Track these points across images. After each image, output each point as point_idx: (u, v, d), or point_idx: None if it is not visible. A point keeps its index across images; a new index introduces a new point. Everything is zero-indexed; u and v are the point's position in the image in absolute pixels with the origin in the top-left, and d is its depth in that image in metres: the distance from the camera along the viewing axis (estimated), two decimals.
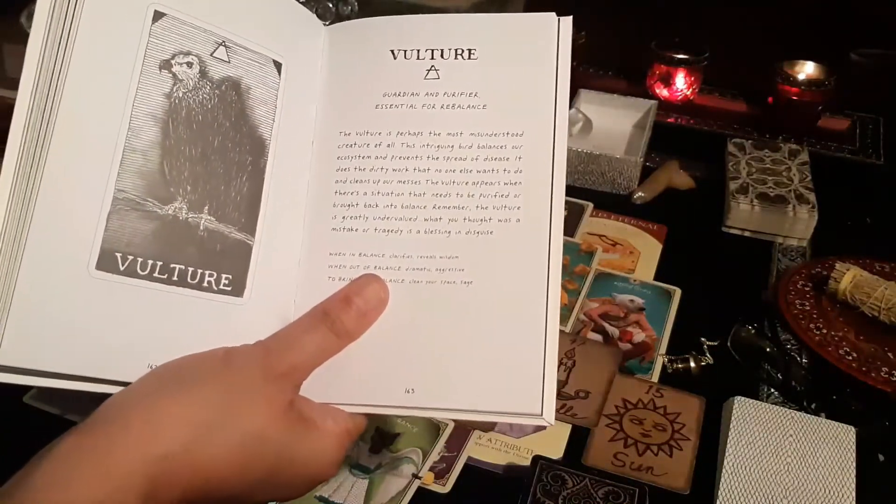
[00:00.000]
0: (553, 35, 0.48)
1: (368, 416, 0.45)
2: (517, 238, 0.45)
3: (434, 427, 0.69)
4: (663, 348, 0.79)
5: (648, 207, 1.00)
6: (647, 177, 1.03)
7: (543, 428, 0.68)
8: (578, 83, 1.14)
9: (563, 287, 0.84)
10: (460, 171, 0.47)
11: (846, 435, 0.65)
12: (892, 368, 0.73)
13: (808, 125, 1.15)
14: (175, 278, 0.42)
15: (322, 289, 0.45)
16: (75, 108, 0.40)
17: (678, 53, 1.18)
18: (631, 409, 0.72)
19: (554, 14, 0.48)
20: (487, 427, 0.70)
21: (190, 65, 0.44)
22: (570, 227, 0.95)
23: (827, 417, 0.68)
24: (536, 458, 0.65)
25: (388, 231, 0.46)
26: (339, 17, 0.49)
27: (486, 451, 0.68)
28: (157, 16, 0.43)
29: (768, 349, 0.77)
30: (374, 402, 0.44)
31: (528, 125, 0.47)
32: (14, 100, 0.39)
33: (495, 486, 0.66)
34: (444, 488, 0.65)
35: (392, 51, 0.49)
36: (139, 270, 0.41)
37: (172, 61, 0.43)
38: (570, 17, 0.48)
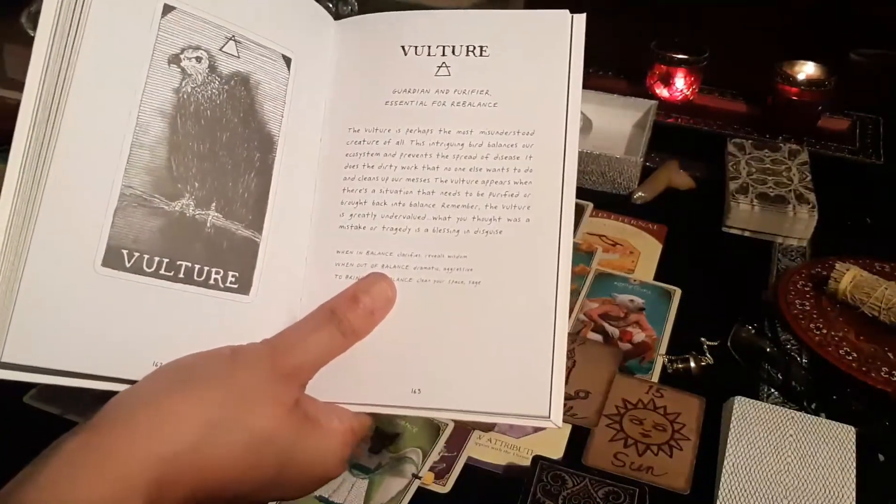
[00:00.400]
0: (566, 33, 0.47)
1: (373, 415, 0.45)
2: (526, 238, 0.45)
3: (434, 427, 0.69)
4: (663, 348, 0.79)
5: (648, 207, 1.00)
6: (647, 177, 1.03)
7: (543, 428, 0.68)
8: None
9: None
10: (470, 170, 0.46)
11: (846, 435, 0.65)
12: (893, 368, 0.73)
13: (808, 125, 1.15)
14: (181, 275, 0.42)
15: (329, 287, 0.45)
16: (83, 103, 0.39)
17: (678, 53, 1.18)
18: (631, 409, 0.72)
19: (567, 11, 0.48)
20: (487, 427, 0.70)
21: (199, 59, 0.43)
22: None
23: (827, 417, 0.68)
24: (536, 458, 0.65)
25: (396, 229, 0.46)
26: (338, 17, 0.49)
27: (486, 451, 0.68)
28: (167, 9, 0.42)
29: (768, 349, 0.77)
30: (380, 401, 0.44)
31: (539, 124, 0.46)
32: (13, 99, 0.39)
33: (495, 486, 0.66)
34: (444, 488, 0.65)
35: (403, 46, 0.48)
36: (145, 267, 0.41)
37: (181, 56, 0.43)
38: (584, 15, 0.47)
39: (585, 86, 0.48)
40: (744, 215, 0.95)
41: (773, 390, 0.74)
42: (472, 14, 0.49)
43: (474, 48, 0.48)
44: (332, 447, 0.43)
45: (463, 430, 0.69)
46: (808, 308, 0.81)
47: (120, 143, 0.40)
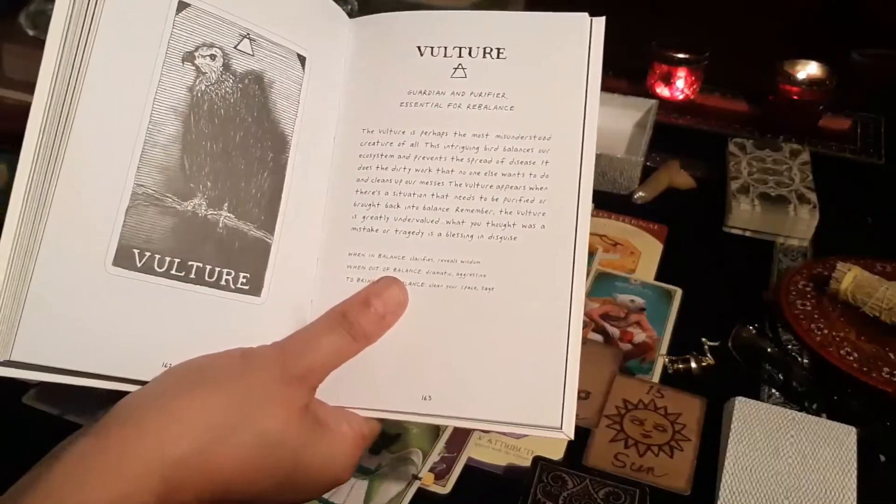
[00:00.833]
0: (585, 36, 0.47)
1: (383, 420, 0.45)
2: (541, 245, 0.44)
3: (434, 428, 0.68)
4: (664, 348, 0.79)
5: (649, 207, 1.00)
6: (647, 176, 1.03)
7: None
8: None
9: None
10: (485, 174, 0.45)
11: (847, 435, 0.65)
12: (894, 369, 0.73)
13: (810, 125, 1.15)
14: (192, 276, 0.41)
15: (340, 289, 0.44)
16: (95, 101, 0.39)
17: (679, 53, 1.18)
18: (631, 409, 0.72)
19: (586, 14, 0.47)
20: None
21: (213, 57, 0.42)
22: None
23: (828, 418, 0.68)
24: (537, 459, 0.64)
25: (409, 232, 0.45)
26: None
27: (486, 451, 0.68)
28: (182, 6, 0.41)
29: (769, 349, 0.77)
30: (391, 407, 0.44)
31: (556, 129, 0.46)
32: (13, 99, 0.38)
33: (495, 486, 0.66)
34: (445, 489, 0.64)
35: (419, 47, 0.48)
36: (156, 267, 0.40)
37: (196, 53, 0.42)
38: (603, 19, 0.47)
39: None
40: (745, 215, 0.94)
41: (774, 391, 0.74)
42: (490, 15, 0.49)
43: (491, 50, 0.47)
44: (341, 451, 0.42)
45: (463, 431, 0.69)
46: (809, 308, 0.81)
47: (132, 142, 0.40)
